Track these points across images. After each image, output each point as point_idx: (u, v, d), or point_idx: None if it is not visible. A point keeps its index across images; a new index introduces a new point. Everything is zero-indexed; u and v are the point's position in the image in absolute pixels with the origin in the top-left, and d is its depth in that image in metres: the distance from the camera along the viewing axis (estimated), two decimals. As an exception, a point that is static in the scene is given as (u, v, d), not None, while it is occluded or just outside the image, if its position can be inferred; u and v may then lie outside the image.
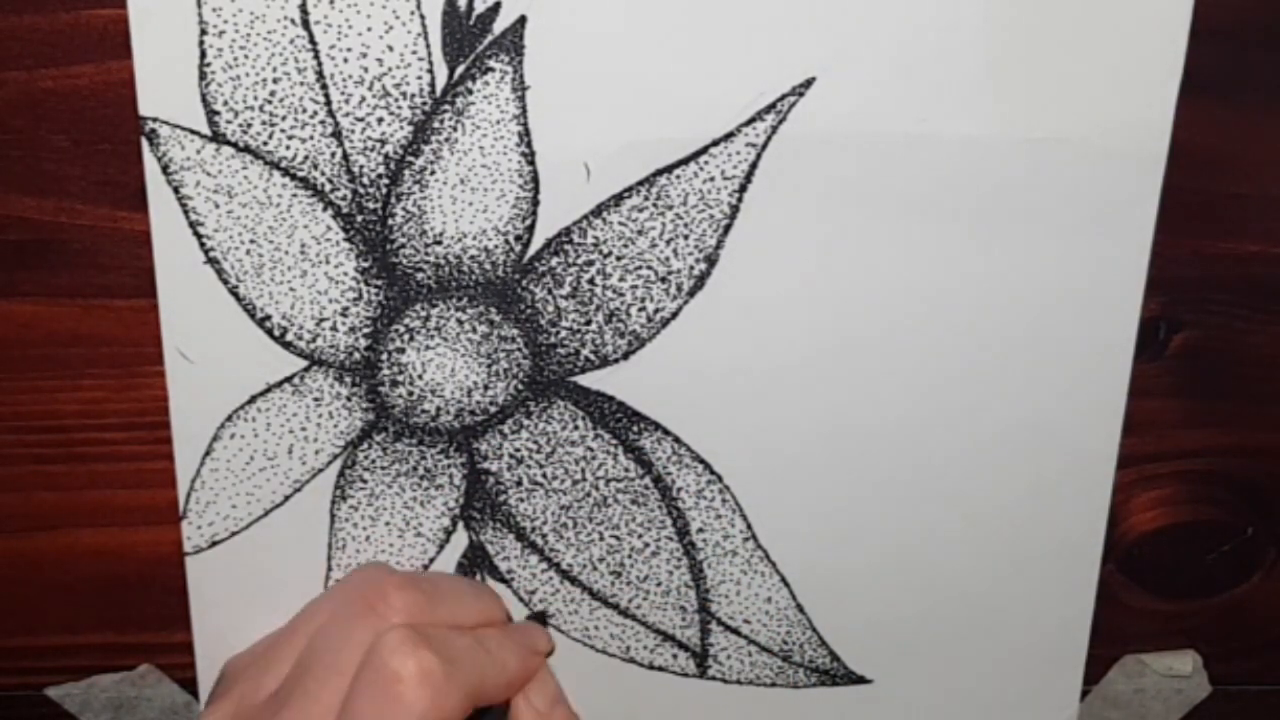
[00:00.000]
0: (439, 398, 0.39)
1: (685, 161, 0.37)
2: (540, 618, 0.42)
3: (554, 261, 0.38)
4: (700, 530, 0.41)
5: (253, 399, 0.39)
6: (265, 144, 0.36)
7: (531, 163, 0.36)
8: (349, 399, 0.39)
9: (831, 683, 0.43)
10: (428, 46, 0.35)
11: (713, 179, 0.37)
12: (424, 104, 0.36)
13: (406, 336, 0.38)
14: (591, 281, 0.38)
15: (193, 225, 0.37)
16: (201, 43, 0.35)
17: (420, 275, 0.38)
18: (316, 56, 0.35)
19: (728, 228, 0.37)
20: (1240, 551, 0.43)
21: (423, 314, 0.38)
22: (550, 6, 0.35)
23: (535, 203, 0.37)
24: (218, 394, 0.38)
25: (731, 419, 0.40)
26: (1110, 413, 0.40)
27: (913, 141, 0.37)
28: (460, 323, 0.38)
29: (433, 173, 0.36)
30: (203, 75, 0.35)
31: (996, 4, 0.36)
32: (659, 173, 0.37)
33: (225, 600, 0.40)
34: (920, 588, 0.42)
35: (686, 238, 0.38)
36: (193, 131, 0.36)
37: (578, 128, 0.36)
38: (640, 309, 0.38)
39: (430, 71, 0.35)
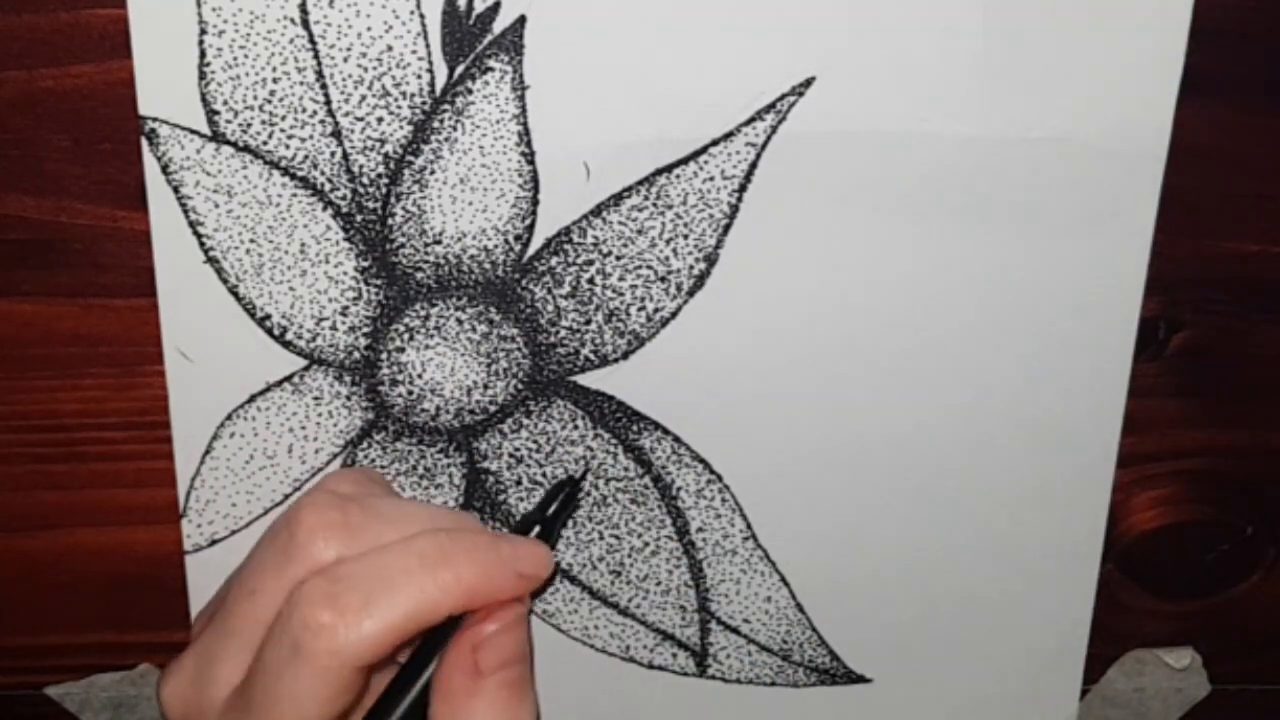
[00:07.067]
0: (439, 397, 0.39)
1: (685, 161, 0.37)
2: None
3: (554, 261, 0.38)
4: (700, 530, 0.41)
5: (252, 398, 0.39)
6: (265, 144, 0.36)
7: (531, 162, 0.36)
8: (349, 398, 0.39)
9: (831, 682, 0.43)
10: (427, 46, 0.35)
11: (712, 179, 0.37)
12: (423, 104, 0.36)
13: (406, 336, 0.38)
14: (591, 281, 0.38)
15: (192, 225, 0.37)
16: (201, 42, 0.35)
17: (420, 275, 0.38)
18: (316, 56, 0.35)
19: (727, 227, 0.37)
20: (1240, 551, 0.43)
21: (422, 313, 0.38)
22: (550, 6, 0.35)
23: (535, 202, 0.37)
24: (218, 393, 0.38)
25: (731, 419, 0.40)
26: (1110, 413, 0.40)
27: (912, 141, 0.37)
28: (460, 322, 0.38)
29: (432, 172, 0.36)
30: (202, 75, 0.35)
31: (996, 4, 0.36)
32: (659, 172, 0.37)
33: (225, 599, 0.40)
34: (920, 587, 0.42)
35: (686, 237, 0.38)
36: (192, 131, 0.36)
37: (578, 128, 0.36)
38: (640, 309, 0.38)
39: (430, 71, 0.35)
